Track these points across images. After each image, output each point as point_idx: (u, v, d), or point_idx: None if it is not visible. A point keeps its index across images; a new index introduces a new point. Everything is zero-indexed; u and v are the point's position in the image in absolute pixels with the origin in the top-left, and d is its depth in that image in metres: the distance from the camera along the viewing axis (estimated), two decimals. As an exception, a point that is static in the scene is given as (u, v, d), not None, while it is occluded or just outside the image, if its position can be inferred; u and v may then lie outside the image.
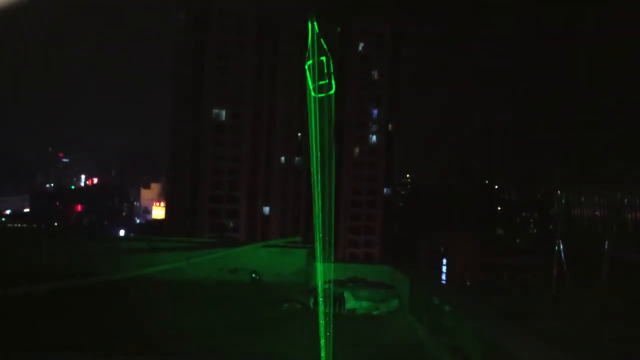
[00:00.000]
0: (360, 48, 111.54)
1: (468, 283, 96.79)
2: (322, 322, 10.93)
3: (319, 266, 16.56)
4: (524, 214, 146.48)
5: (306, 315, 12.53)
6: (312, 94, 10.34)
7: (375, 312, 14.87)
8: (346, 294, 14.64)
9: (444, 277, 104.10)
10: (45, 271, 15.24)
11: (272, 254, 17.94)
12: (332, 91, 10.53)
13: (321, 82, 10.51)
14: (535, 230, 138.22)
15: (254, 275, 16.95)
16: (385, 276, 16.45)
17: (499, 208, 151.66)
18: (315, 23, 10.57)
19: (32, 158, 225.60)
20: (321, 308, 13.65)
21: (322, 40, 10.67)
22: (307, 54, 10.51)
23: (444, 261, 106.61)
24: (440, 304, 12.33)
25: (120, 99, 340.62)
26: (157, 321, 12.92)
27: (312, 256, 17.39)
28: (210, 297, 15.24)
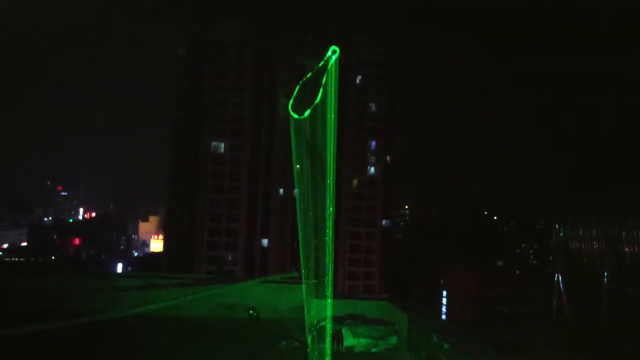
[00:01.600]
0: (357, 80, 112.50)
1: (468, 314, 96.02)
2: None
3: (317, 303, 16.43)
4: (523, 245, 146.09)
5: (304, 354, 12.39)
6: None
7: (373, 350, 14.70)
8: (344, 331, 14.49)
9: (444, 309, 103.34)
10: (38, 309, 15.08)
11: (269, 290, 17.80)
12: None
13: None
14: (535, 262, 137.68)
15: (251, 312, 16.79)
16: (384, 312, 16.31)
17: (497, 239, 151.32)
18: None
19: (31, 192, 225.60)
20: (318, 346, 13.51)
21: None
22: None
23: (444, 293, 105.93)
24: (439, 341, 12.21)
25: (118, 132, 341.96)
26: (152, 359, 12.76)
27: (310, 292, 17.27)
28: (207, 335, 15.09)
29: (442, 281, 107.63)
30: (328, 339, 13.82)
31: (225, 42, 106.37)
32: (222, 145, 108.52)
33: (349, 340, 14.22)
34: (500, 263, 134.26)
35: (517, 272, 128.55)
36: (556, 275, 22.93)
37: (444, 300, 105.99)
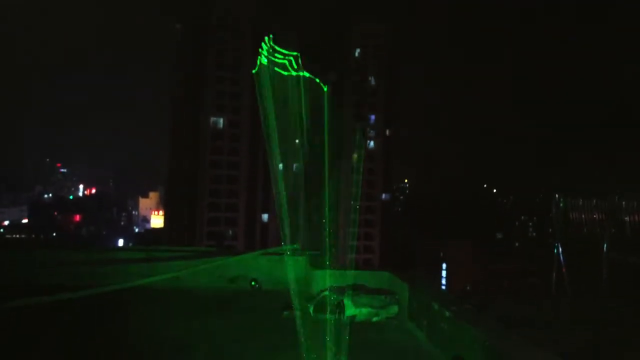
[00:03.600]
0: (357, 54, 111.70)
1: (468, 288, 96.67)
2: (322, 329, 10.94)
3: (318, 273, 16.56)
4: (522, 217, 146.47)
5: (306, 323, 12.53)
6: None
7: (375, 319, 14.85)
8: (346, 301, 14.62)
9: (443, 282, 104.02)
10: (42, 283, 15.22)
11: (271, 261, 17.93)
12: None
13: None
14: (534, 234, 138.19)
15: (253, 283, 16.94)
16: (385, 282, 16.45)
17: (497, 212, 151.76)
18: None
19: (31, 169, 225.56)
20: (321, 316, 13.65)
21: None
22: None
23: (444, 266, 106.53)
24: (440, 310, 12.33)
25: (118, 108, 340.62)
26: (157, 330, 12.91)
27: (311, 264, 17.39)
28: (210, 306, 15.23)
29: (441, 254, 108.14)
30: (330, 309, 13.98)
31: (224, 19, 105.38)
32: (221, 120, 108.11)
33: (350, 310, 14.37)
34: (499, 235, 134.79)
35: (517, 244, 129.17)
36: (556, 246, 23.05)
37: (444, 274, 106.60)
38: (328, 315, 13.74)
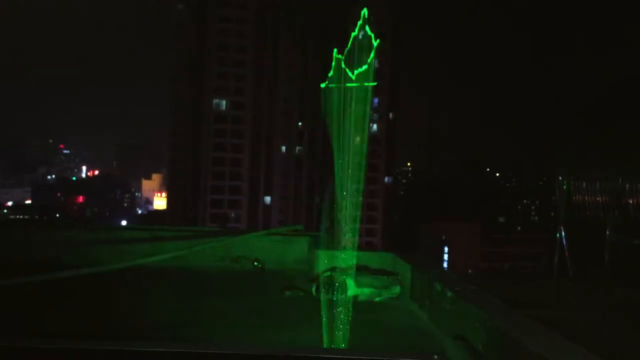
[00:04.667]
0: (360, 37, 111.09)
1: (470, 271, 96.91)
2: (324, 308, 10.93)
3: (321, 254, 16.56)
4: (525, 201, 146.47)
5: (308, 303, 12.55)
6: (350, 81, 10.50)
7: (377, 299, 14.87)
8: (348, 281, 14.64)
9: (445, 265, 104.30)
10: (45, 261, 15.24)
11: (274, 242, 17.93)
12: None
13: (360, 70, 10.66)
14: (536, 217, 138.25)
15: (256, 263, 16.95)
16: (387, 263, 16.44)
17: (499, 195, 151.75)
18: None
19: (34, 150, 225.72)
20: (323, 295, 13.66)
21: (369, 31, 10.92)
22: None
23: (446, 249, 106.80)
24: (442, 290, 12.33)
25: (121, 90, 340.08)
26: (159, 309, 12.94)
27: (314, 244, 17.39)
28: (213, 286, 15.26)
29: (443, 237, 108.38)
30: (332, 289, 13.99)
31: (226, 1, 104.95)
32: (224, 102, 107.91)
33: (352, 290, 14.37)
34: (502, 219, 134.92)
35: (519, 228, 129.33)
36: (559, 229, 23.02)
37: (446, 257, 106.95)
38: (330, 295, 13.77)
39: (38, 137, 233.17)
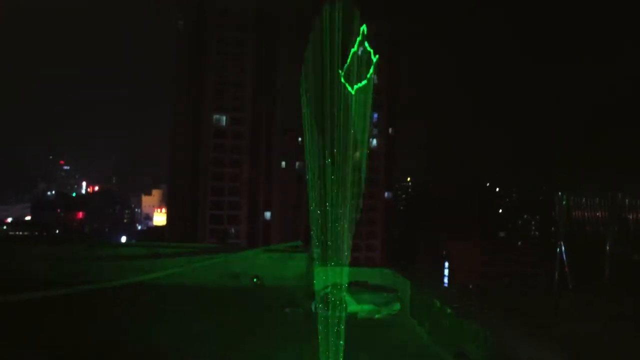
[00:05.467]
0: (359, 52, 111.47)
1: (470, 286, 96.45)
2: (323, 326, 10.90)
3: (320, 270, 16.53)
4: (525, 216, 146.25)
5: (308, 320, 12.52)
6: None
7: (377, 316, 14.85)
8: (348, 298, 14.60)
9: (445, 280, 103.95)
10: (48, 278, 15.23)
11: (273, 258, 17.94)
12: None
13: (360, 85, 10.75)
14: (537, 233, 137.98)
15: (255, 280, 16.95)
16: (387, 279, 16.43)
17: (500, 210, 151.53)
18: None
19: (34, 166, 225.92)
20: (322, 313, 13.61)
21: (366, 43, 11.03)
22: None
23: (446, 265, 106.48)
24: (442, 307, 12.31)
25: (120, 105, 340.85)
26: (159, 326, 12.90)
27: (313, 260, 17.37)
28: (212, 303, 15.24)
29: (444, 253, 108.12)
30: (331, 306, 13.93)
31: (225, 15, 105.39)
32: (224, 118, 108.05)
33: (352, 307, 14.35)
34: (502, 234, 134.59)
35: (519, 243, 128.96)
36: (559, 244, 22.99)
37: (446, 272, 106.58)
38: (330, 312, 13.73)
39: (38, 153, 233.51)
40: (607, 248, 21.09)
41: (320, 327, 11.27)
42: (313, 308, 14.64)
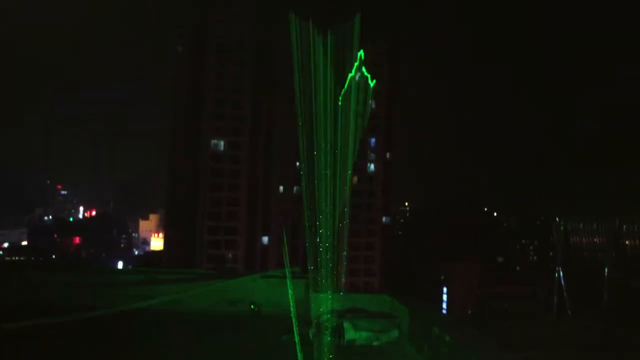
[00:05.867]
0: (357, 78, 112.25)
1: (469, 312, 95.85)
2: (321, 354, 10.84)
3: (318, 296, 16.47)
4: (523, 241, 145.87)
5: (305, 347, 12.48)
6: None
7: (375, 343, 14.78)
8: (346, 325, 14.56)
9: (444, 306, 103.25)
10: (44, 304, 15.19)
11: (270, 284, 17.91)
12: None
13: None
14: (535, 257, 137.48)
15: (252, 306, 16.90)
16: (385, 306, 16.39)
17: (498, 235, 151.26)
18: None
19: (31, 191, 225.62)
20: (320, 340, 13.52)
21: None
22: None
23: (444, 290, 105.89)
24: (440, 334, 12.27)
25: (118, 129, 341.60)
26: (157, 354, 12.82)
27: (310, 286, 17.32)
28: (209, 330, 15.17)
29: (442, 277, 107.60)
30: (329, 333, 13.86)
31: (224, 43, 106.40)
32: (222, 143, 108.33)
33: (350, 334, 14.29)
34: (500, 259, 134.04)
35: (518, 267, 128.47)
36: (557, 270, 22.97)
37: (445, 297, 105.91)
38: (328, 339, 13.65)
39: (37, 178, 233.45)
40: (606, 274, 21.09)
41: (317, 355, 11.18)
42: (310, 335, 14.58)
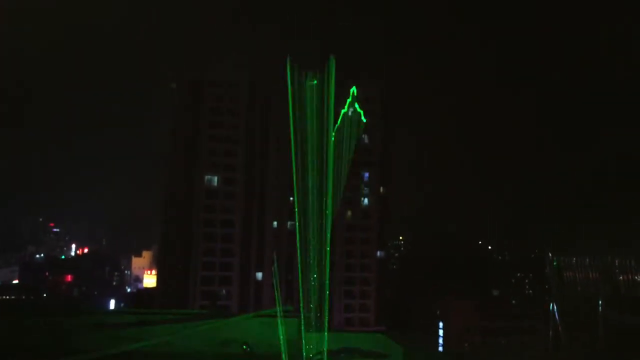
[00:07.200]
0: (350, 113, 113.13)
1: (466, 345, 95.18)
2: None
3: (310, 336, 16.37)
4: (518, 274, 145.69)
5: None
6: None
7: (369, 383, 14.63)
8: (339, 365, 14.44)
9: (440, 340, 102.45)
10: (34, 346, 15.00)
11: (264, 323, 17.75)
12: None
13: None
14: (531, 291, 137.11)
15: (245, 347, 16.73)
16: (379, 345, 16.26)
17: (493, 269, 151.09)
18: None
19: (23, 229, 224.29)
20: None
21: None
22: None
23: (440, 325, 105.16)
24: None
25: (111, 165, 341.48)
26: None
27: (303, 325, 17.20)
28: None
29: (438, 312, 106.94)
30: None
31: (218, 81, 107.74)
32: (216, 179, 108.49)
33: (344, 374, 14.17)
34: (495, 293, 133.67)
35: (513, 301, 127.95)
36: (551, 304, 22.92)
37: (441, 332, 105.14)
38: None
39: (28, 216, 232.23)
40: (600, 309, 21.10)
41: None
42: (304, 376, 14.42)
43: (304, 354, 15.81)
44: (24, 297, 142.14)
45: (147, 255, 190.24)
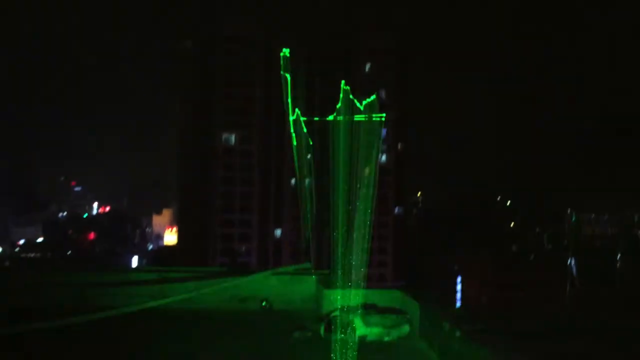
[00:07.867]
0: (367, 69, 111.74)
1: (483, 298, 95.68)
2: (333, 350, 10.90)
3: (328, 293, 16.55)
4: (537, 229, 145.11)
5: (317, 344, 12.56)
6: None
7: (386, 339, 14.80)
8: (356, 321, 14.60)
9: (459, 295, 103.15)
10: (57, 304, 15.35)
11: (282, 281, 17.99)
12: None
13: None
14: (550, 246, 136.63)
15: (264, 303, 16.99)
16: (396, 301, 16.41)
17: (512, 224, 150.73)
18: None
19: (45, 188, 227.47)
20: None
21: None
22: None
23: (459, 279, 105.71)
24: (451, 329, 12.29)
25: (130, 124, 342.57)
26: (168, 353, 12.95)
27: (322, 283, 17.38)
28: (221, 328, 15.28)
29: (455, 267, 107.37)
30: (340, 329, 13.94)
31: (233, 36, 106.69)
32: (233, 137, 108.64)
33: (361, 330, 14.32)
34: (514, 248, 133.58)
35: (532, 256, 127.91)
36: (570, 259, 22.90)
37: (459, 287, 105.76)
38: (339, 336, 13.71)
39: (51, 175, 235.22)
40: (618, 264, 21.04)
41: (330, 351, 11.25)
42: (322, 332, 14.65)
43: (322, 310, 16.02)
44: (48, 254, 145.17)
45: (167, 213, 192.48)
